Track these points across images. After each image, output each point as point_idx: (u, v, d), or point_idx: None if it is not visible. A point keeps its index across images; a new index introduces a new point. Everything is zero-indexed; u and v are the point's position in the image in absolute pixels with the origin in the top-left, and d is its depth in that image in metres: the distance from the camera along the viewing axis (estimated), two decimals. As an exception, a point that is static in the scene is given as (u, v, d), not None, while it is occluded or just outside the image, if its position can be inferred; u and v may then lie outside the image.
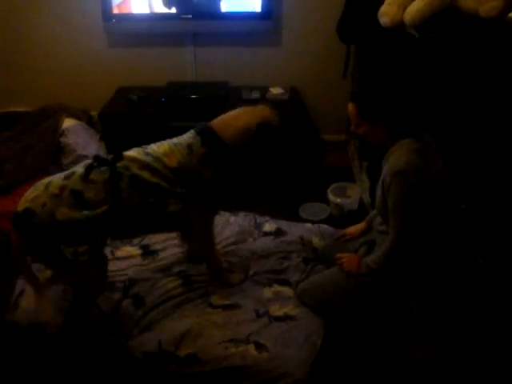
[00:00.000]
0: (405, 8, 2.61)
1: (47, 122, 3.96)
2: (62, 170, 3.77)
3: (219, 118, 2.47)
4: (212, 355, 2.33)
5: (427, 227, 2.29)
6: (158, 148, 2.38)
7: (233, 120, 2.44)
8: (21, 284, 2.82)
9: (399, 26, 2.67)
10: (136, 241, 3.05)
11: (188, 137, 2.42)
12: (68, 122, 3.96)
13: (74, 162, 3.76)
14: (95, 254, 2.29)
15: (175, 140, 2.43)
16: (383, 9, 2.74)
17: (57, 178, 2.25)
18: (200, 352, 2.34)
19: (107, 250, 2.91)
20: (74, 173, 2.26)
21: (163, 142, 2.44)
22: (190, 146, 2.36)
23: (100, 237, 2.30)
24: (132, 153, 2.35)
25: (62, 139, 3.84)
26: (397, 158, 2.17)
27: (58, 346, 2.50)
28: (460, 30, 2.49)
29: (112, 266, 2.77)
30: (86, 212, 2.18)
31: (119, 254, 2.98)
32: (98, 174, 2.24)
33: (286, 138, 2.53)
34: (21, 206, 2.19)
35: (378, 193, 2.32)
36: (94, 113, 4.22)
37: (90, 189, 2.20)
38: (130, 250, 3.00)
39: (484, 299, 2.64)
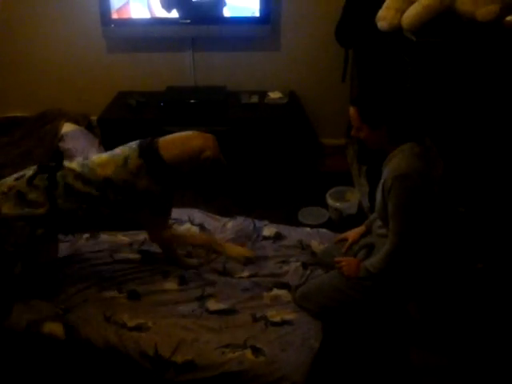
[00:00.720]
0: (402, 12, 2.61)
1: (46, 127, 3.97)
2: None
3: (168, 136, 2.57)
4: (209, 361, 2.31)
5: (427, 231, 2.29)
6: (97, 158, 2.55)
7: (180, 142, 2.54)
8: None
9: (397, 30, 2.68)
10: (136, 245, 3.05)
11: (128, 148, 2.55)
12: (67, 127, 3.97)
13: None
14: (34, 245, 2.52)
15: (117, 150, 2.57)
16: (381, 13, 2.74)
17: (10, 179, 2.52)
18: (197, 358, 2.32)
19: (106, 254, 2.96)
20: (23, 175, 2.50)
21: (106, 152, 2.63)
22: (126, 157, 2.49)
23: (41, 231, 2.49)
24: (71, 163, 2.55)
25: (61, 144, 3.85)
26: (398, 162, 2.17)
27: (55, 348, 2.51)
28: (457, 33, 2.49)
29: (111, 268, 2.84)
30: (27, 209, 2.43)
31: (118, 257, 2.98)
32: (40, 180, 2.48)
33: (224, 171, 2.64)
34: None
35: (378, 196, 2.31)
36: (93, 118, 4.23)
37: (32, 192, 2.45)
38: (129, 254, 3.00)
39: (483, 303, 2.64)
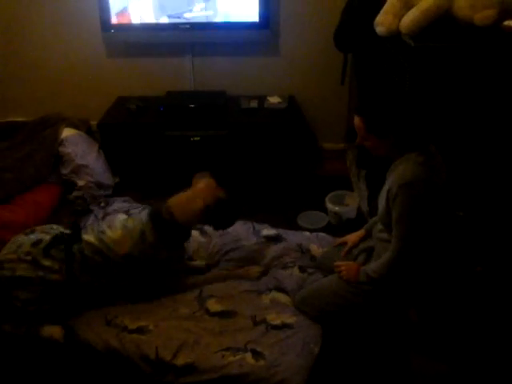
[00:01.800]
0: (400, 17, 2.62)
1: (46, 131, 3.97)
2: (61, 179, 3.80)
3: (174, 203, 2.58)
4: (209, 364, 2.32)
5: (430, 237, 2.30)
6: (112, 233, 2.57)
7: (188, 207, 2.56)
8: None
9: (395, 35, 2.69)
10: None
11: (140, 220, 2.58)
12: (67, 132, 3.96)
13: (73, 172, 3.79)
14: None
15: (129, 223, 2.60)
16: (379, 18, 2.76)
17: (26, 242, 2.55)
18: (197, 361, 2.34)
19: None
20: (41, 241, 2.55)
21: (117, 223, 2.62)
22: (141, 232, 2.53)
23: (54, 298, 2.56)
24: (88, 236, 2.59)
25: (61, 149, 3.85)
26: (403, 170, 2.18)
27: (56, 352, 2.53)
28: (455, 38, 2.50)
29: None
30: (40, 272, 2.48)
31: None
32: (57, 251, 2.53)
33: (235, 207, 2.68)
34: None
35: (382, 203, 2.31)
36: (93, 122, 4.24)
37: (48, 260, 2.50)
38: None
39: (482, 306, 2.64)
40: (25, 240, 2.59)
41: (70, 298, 2.59)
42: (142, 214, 2.62)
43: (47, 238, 2.58)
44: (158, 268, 2.63)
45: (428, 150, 2.22)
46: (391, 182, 2.21)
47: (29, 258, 2.49)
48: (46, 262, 2.49)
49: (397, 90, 2.68)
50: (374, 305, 2.50)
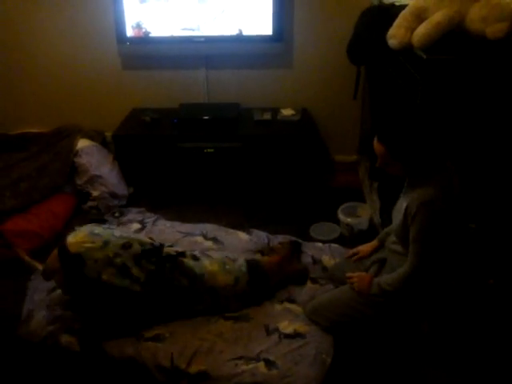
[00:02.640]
0: (413, 30, 2.64)
1: (62, 142, 4.02)
2: (76, 189, 3.84)
3: (267, 263, 2.77)
4: (222, 372, 2.34)
5: (445, 252, 2.30)
6: (208, 264, 2.66)
7: (278, 269, 2.74)
8: (29, 303, 2.87)
9: (408, 48, 2.71)
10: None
11: (238, 267, 2.68)
12: (82, 143, 4.02)
13: (88, 182, 3.83)
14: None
15: (229, 265, 2.68)
16: (392, 31, 2.77)
17: (115, 241, 2.47)
18: (210, 369, 2.35)
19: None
20: (131, 246, 2.49)
21: (217, 257, 2.76)
22: (236, 278, 2.63)
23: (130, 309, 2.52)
24: (187, 260, 2.64)
25: (77, 159, 3.90)
26: (424, 188, 2.18)
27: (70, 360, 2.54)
28: (467, 51, 2.51)
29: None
30: (127, 282, 2.42)
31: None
32: (147, 262, 2.49)
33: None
34: (74, 247, 2.38)
35: (398, 218, 2.31)
36: (107, 133, 4.30)
37: (136, 268, 2.44)
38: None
39: (495, 320, 2.63)
40: (109, 236, 2.51)
41: (137, 311, 2.56)
42: (239, 261, 2.70)
43: (136, 244, 2.52)
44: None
45: (446, 166, 2.23)
46: (410, 199, 2.21)
47: (118, 261, 2.42)
48: (135, 271, 2.45)
49: (412, 111, 2.69)
50: (386, 317, 2.50)
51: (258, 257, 3.01)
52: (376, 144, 2.24)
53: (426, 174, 2.21)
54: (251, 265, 2.67)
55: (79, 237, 2.44)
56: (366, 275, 2.54)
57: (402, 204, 2.30)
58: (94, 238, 2.45)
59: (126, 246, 2.48)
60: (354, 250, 2.85)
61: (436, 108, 2.54)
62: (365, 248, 2.80)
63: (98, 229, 2.55)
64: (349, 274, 2.58)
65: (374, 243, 2.79)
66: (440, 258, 2.27)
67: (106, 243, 2.44)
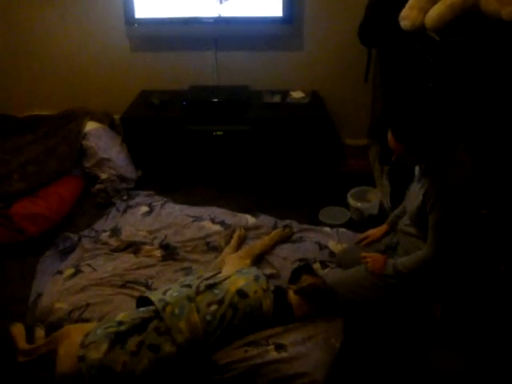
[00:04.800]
0: (426, 11, 2.59)
1: (70, 125, 4.01)
2: (84, 172, 3.83)
3: (294, 297, 2.52)
4: (232, 359, 2.33)
5: (463, 239, 2.29)
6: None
7: (300, 306, 2.51)
8: (38, 285, 2.88)
9: (420, 30, 2.66)
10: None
11: (262, 290, 2.47)
12: (90, 126, 4.01)
13: (96, 165, 3.82)
14: None
15: (253, 287, 2.46)
16: (404, 12, 2.73)
17: (131, 338, 2.25)
18: (219, 358, 2.34)
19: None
20: (147, 324, 2.30)
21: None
22: (260, 303, 2.43)
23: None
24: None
25: (85, 142, 3.89)
26: (442, 174, 2.16)
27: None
28: (482, 32, 2.46)
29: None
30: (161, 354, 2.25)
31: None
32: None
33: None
34: (90, 354, 2.19)
35: (414, 204, 2.30)
36: (116, 116, 4.28)
37: (166, 340, 2.27)
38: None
39: (506, 305, 2.61)
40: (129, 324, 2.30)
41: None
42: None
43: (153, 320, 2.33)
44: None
45: (460, 149, 2.20)
46: (429, 185, 2.19)
47: (143, 349, 2.24)
48: (167, 347, 2.27)
49: (425, 98, 2.64)
50: (397, 299, 2.50)
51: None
52: (391, 140, 2.21)
53: (442, 160, 2.18)
54: (279, 293, 2.54)
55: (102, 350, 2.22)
56: (381, 256, 2.53)
57: (418, 190, 2.29)
58: (98, 336, 2.26)
59: (140, 328, 2.29)
60: (364, 235, 2.83)
61: (449, 91, 2.50)
62: (375, 232, 2.79)
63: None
64: (363, 254, 2.57)
65: (384, 227, 2.78)
66: (459, 244, 2.26)
67: (122, 344, 2.25)
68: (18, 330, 2.52)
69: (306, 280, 2.53)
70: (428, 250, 2.25)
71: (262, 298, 2.42)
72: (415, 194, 2.32)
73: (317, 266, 2.85)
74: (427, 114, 2.16)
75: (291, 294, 2.50)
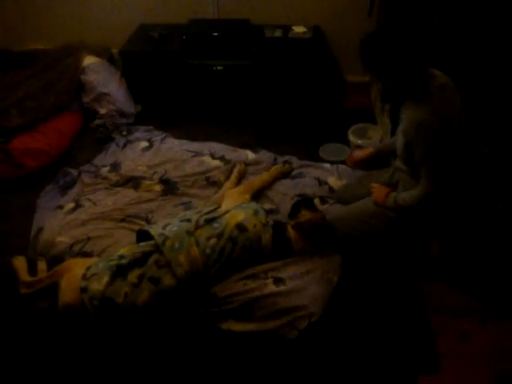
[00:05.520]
0: None
1: (68, 59, 3.96)
2: (83, 107, 3.80)
3: (292, 232, 2.54)
4: (231, 291, 2.37)
5: (454, 171, 2.29)
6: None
7: (301, 243, 2.53)
8: (38, 220, 2.90)
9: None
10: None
11: (261, 225, 2.48)
12: (89, 60, 3.95)
13: (95, 100, 3.79)
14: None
15: (252, 221, 2.48)
16: None
17: (132, 271, 2.29)
18: (218, 291, 2.38)
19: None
20: (147, 258, 2.32)
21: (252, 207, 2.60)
22: (259, 237, 2.45)
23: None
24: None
25: (83, 77, 3.85)
26: (418, 109, 2.15)
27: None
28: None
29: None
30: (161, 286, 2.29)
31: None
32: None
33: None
34: (92, 286, 2.23)
35: (400, 141, 2.30)
36: (114, 50, 4.20)
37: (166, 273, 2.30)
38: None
39: (502, 244, 2.64)
40: (129, 257, 2.33)
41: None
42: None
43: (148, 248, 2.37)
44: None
45: (444, 85, 2.17)
46: (407, 120, 2.20)
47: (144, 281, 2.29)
48: (167, 279, 2.31)
49: (425, 20, 2.59)
50: (397, 233, 2.53)
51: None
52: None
53: (419, 94, 2.17)
54: (275, 225, 2.56)
55: (85, 274, 2.28)
56: (386, 188, 2.54)
57: (400, 128, 2.29)
58: (101, 269, 2.29)
59: (140, 261, 2.32)
60: (350, 156, 2.93)
61: (455, 26, 2.46)
62: (358, 153, 2.83)
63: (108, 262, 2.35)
64: (373, 184, 2.60)
65: (369, 150, 2.81)
66: (450, 176, 2.27)
67: (124, 276, 2.28)
68: (19, 263, 2.57)
69: (305, 215, 2.56)
70: (423, 185, 2.26)
71: (261, 231, 2.45)
72: (398, 134, 2.33)
73: (316, 201, 2.86)
74: (390, 41, 2.14)
75: (290, 229, 2.53)
